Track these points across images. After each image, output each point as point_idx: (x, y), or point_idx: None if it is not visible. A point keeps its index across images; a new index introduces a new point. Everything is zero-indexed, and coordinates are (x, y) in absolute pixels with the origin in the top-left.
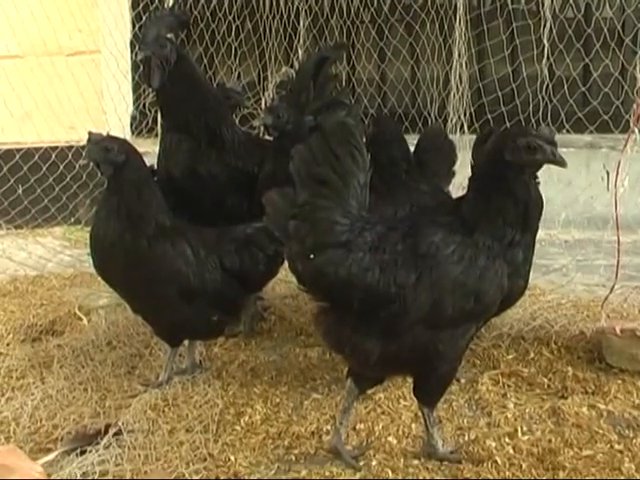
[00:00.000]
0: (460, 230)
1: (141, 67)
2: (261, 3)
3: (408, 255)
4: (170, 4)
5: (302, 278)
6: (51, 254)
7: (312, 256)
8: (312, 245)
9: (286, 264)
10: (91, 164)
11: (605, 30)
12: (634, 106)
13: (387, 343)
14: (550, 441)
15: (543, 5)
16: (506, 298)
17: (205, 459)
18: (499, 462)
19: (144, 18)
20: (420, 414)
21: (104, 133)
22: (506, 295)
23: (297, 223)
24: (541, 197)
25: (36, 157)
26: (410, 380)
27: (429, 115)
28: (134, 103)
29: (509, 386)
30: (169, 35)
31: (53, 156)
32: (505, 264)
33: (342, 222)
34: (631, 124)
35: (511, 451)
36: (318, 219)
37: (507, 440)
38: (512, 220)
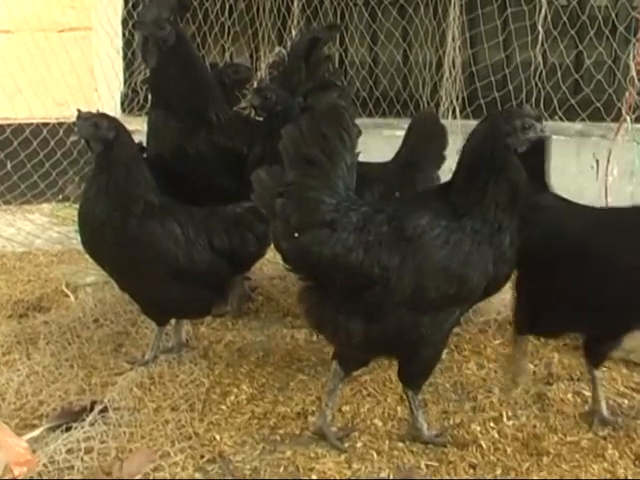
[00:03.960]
0: (447, 214)
1: (134, 45)
2: None
3: (393, 237)
4: None
5: (287, 256)
6: (39, 230)
7: (297, 234)
8: (297, 224)
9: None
10: (81, 141)
11: (599, 18)
12: (626, 94)
13: (370, 324)
14: (535, 426)
15: None
16: (491, 283)
17: (190, 438)
18: (484, 446)
19: None
20: (405, 397)
21: (95, 110)
22: (491, 280)
23: (283, 201)
24: (526, 180)
25: (27, 132)
26: (396, 362)
27: (421, 99)
28: (126, 81)
29: (495, 371)
30: (170, 17)
31: (44, 132)
32: (491, 249)
33: (328, 202)
34: (623, 112)
35: (496, 435)
36: (304, 198)
37: (492, 425)
38: (504, 204)
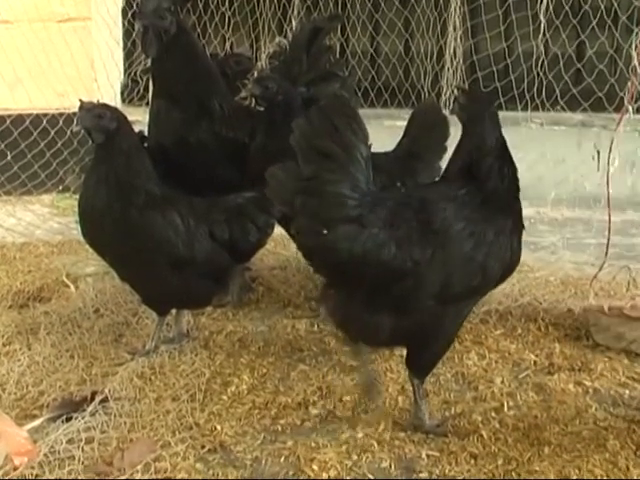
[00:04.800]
0: (469, 204)
1: (133, 35)
2: None
3: (422, 231)
4: None
5: (311, 254)
6: (40, 221)
7: (325, 232)
8: (323, 220)
9: (275, 235)
10: (82, 131)
11: (601, 8)
12: (628, 84)
13: (397, 319)
14: (536, 417)
15: None
16: (506, 272)
17: (191, 428)
18: (485, 436)
19: None
20: (410, 386)
21: (95, 100)
22: (506, 269)
23: (304, 198)
24: None
25: (27, 123)
26: (397, 353)
27: (422, 89)
28: (125, 71)
29: (496, 361)
30: (171, 7)
31: (44, 122)
32: (508, 238)
33: (352, 196)
34: (625, 102)
35: (497, 425)
36: (327, 193)
37: (493, 415)
38: (515, 191)
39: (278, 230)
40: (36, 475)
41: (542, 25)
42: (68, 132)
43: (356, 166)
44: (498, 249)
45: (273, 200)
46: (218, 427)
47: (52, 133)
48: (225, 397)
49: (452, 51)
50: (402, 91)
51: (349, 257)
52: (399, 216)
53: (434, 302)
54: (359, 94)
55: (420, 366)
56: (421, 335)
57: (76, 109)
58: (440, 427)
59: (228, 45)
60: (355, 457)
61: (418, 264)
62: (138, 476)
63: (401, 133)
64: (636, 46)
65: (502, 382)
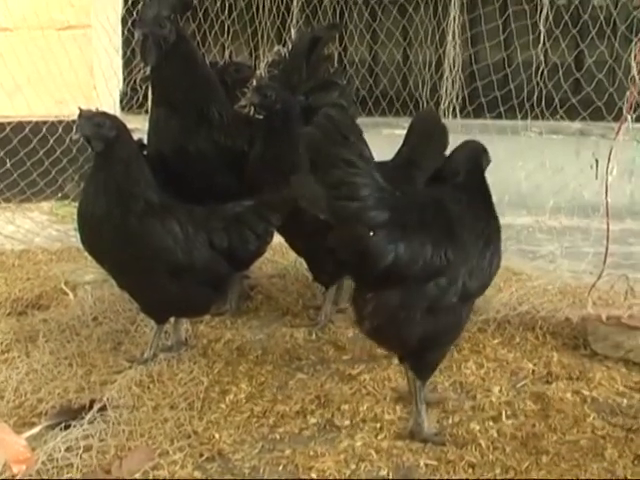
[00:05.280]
0: (473, 206)
1: (133, 43)
2: None
3: (446, 230)
4: None
5: (352, 260)
6: (39, 228)
7: (372, 233)
8: (368, 224)
9: (273, 243)
10: (82, 139)
11: (600, 17)
12: (627, 94)
13: (429, 320)
14: (534, 426)
15: None
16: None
17: (189, 436)
18: (483, 445)
19: None
20: (408, 394)
21: (94, 108)
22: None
23: (343, 204)
24: None
25: (26, 130)
26: (396, 361)
27: (420, 98)
28: (125, 79)
29: (494, 370)
30: (171, 15)
31: (44, 130)
32: (499, 235)
33: (385, 198)
34: (624, 112)
35: (495, 434)
36: (364, 197)
37: (491, 424)
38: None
39: (277, 238)
40: None
41: (542, 35)
42: (67, 140)
43: (374, 171)
44: (498, 247)
45: (311, 210)
46: (216, 435)
47: (51, 141)
48: (223, 405)
49: (451, 60)
50: (400, 100)
51: (395, 259)
52: (427, 216)
53: (457, 300)
54: (357, 103)
55: (426, 366)
56: (443, 334)
57: (75, 117)
58: (438, 436)
59: (227, 53)
60: (353, 466)
61: (450, 262)
62: None
63: (399, 141)
64: (635, 56)
65: (500, 391)
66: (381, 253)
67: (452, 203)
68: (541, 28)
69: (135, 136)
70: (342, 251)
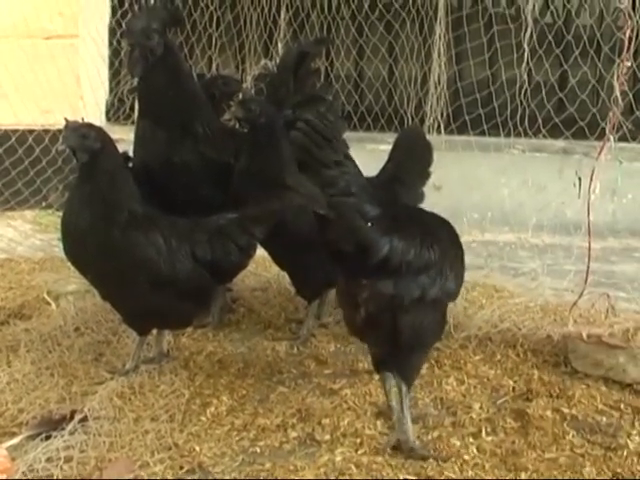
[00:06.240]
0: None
1: (121, 54)
2: None
3: (427, 233)
4: None
5: (347, 254)
6: (22, 237)
7: (370, 224)
8: (364, 217)
9: (256, 257)
10: (67, 150)
11: (584, 38)
12: (610, 114)
13: (432, 319)
14: (513, 442)
15: (524, 10)
16: None
17: (170, 448)
18: (462, 461)
19: (126, 5)
20: (388, 409)
21: (80, 119)
22: None
23: (340, 199)
24: None
25: (13, 139)
26: (377, 376)
27: (405, 114)
28: (112, 90)
29: (475, 387)
30: (159, 28)
31: (30, 139)
32: None
33: (372, 194)
34: (607, 132)
35: (475, 451)
36: (357, 193)
37: (471, 440)
38: None
39: (260, 252)
40: None
41: (526, 54)
42: (53, 149)
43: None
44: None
45: (311, 206)
46: (197, 448)
47: (37, 150)
48: (204, 418)
49: (436, 77)
50: (385, 115)
51: (390, 249)
52: (411, 213)
53: (442, 294)
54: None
55: (411, 368)
56: (429, 330)
57: (62, 126)
58: (421, 450)
59: (214, 66)
60: None
61: (436, 255)
62: None
63: (383, 157)
64: (617, 77)
65: (480, 407)
66: (378, 243)
67: (425, 212)
68: (525, 47)
69: (121, 147)
70: (342, 243)
